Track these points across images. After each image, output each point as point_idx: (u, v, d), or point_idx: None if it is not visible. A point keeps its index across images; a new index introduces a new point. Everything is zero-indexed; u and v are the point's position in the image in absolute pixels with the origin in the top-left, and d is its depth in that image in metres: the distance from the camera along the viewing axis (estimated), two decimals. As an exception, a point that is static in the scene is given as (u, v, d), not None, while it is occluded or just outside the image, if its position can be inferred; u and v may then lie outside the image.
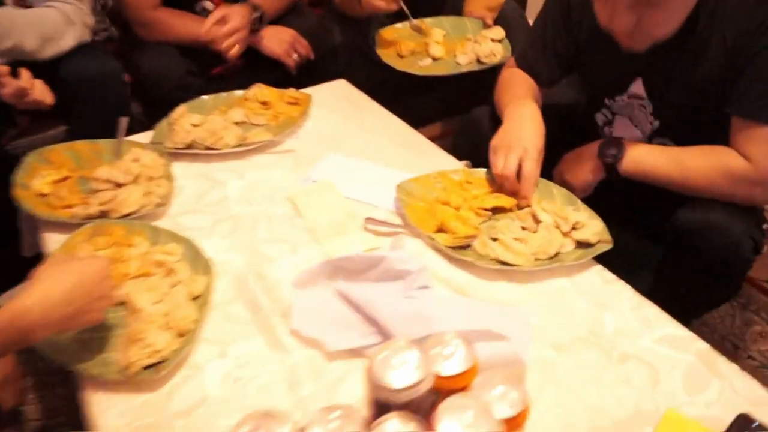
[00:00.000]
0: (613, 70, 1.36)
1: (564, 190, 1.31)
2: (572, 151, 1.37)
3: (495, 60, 1.91)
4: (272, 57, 1.89)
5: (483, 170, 1.37)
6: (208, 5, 1.96)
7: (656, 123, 1.34)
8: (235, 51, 1.79)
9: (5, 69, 1.37)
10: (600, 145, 1.29)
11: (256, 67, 1.95)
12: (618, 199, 1.30)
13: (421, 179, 1.35)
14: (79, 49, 1.68)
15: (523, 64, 1.50)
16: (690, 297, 1.30)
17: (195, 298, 1.07)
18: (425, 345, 0.79)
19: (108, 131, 1.49)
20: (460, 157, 1.50)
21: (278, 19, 1.95)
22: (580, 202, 1.28)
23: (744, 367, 1.01)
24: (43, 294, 0.83)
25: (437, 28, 2.04)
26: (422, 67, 1.94)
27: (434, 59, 1.96)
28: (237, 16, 1.78)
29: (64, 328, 0.89)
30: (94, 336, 1.01)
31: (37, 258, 1.26)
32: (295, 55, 1.90)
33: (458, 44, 2.00)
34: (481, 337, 0.90)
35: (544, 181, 1.32)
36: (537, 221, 1.22)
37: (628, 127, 1.40)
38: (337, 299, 1.05)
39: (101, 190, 1.32)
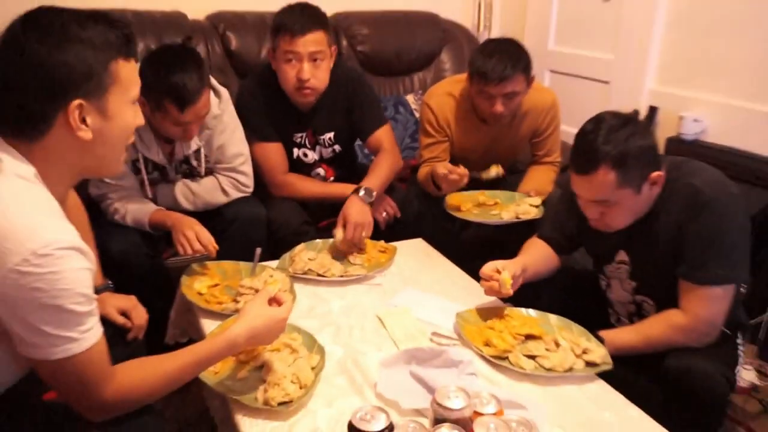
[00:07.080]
0: (601, 244, 1.88)
1: (581, 328, 1.76)
2: None
3: (528, 216, 2.42)
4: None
5: (522, 309, 1.84)
6: (320, 171, 2.60)
7: (633, 284, 1.84)
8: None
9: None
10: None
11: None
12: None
13: (474, 311, 1.83)
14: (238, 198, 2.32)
15: (542, 236, 2.05)
16: (682, 425, 1.66)
17: (312, 368, 1.55)
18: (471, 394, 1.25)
19: (246, 256, 2.05)
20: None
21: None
22: (592, 337, 1.72)
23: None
24: (247, 327, 1.36)
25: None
26: (475, 214, 2.50)
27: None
28: (360, 218, 2.22)
29: (251, 347, 1.47)
30: (246, 377, 1.50)
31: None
32: (384, 213, 2.45)
33: (504, 207, 2.53)
34: (509, 405, 1.34)
35: (566, 320, 1.79)
36: (557, 345, 1.67)
37: (619, 289, 1.89)
38: (410, 376, 1.51)
39: (245, 294, 1.84)
